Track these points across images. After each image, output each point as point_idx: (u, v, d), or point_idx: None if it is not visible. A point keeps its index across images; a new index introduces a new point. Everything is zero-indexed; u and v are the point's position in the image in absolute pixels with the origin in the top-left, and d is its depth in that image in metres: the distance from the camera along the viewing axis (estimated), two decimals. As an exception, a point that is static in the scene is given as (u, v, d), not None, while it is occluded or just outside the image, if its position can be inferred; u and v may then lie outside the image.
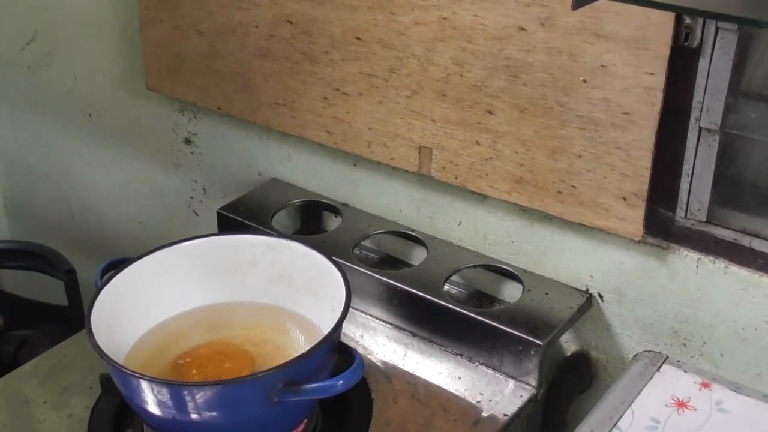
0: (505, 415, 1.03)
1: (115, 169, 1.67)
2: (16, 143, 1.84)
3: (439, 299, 1.11)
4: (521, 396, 1.06)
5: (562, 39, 1.00)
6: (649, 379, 0.99)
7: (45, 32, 1.64)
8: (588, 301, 1.12)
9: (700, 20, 0.93)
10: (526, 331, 1.05)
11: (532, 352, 1.05)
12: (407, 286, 1.14)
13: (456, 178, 1.15)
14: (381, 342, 1.15)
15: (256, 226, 1.26)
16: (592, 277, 1.12)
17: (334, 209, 1.32)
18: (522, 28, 1.02)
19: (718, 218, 1.01)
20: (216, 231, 1.30)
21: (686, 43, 0.94)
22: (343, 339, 0.96)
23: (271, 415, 0.89)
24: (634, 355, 1.04)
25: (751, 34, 0.92)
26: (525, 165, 1.08)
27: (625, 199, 1.02)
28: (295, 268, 1.05)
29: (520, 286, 1.14)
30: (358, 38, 1.16)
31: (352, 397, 1.04)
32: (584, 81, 1.00)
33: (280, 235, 1.18)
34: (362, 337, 1.16)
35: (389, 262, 1.30)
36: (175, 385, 0.88)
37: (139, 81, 1.47)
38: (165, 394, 0.86)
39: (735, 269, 1.00)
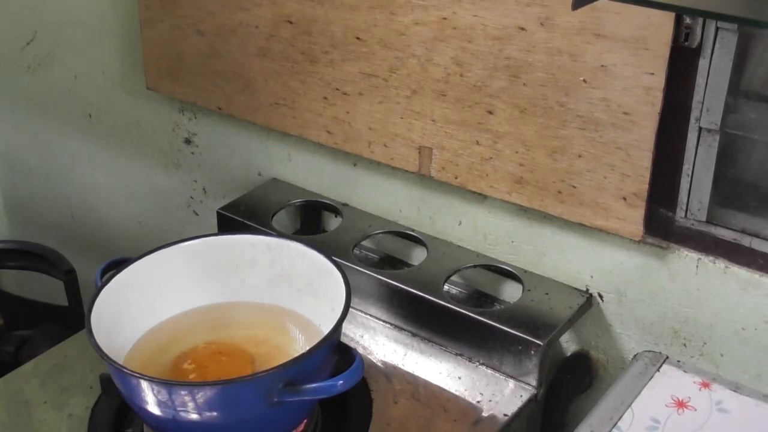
0: (505, 415, 1.03)
1: (115, 169, 1.67)
2: (16, 143, 1.84)
3: (439, 299, 1.11)
4: (521, 396, 1.06)
5: (562, 39, 1.00)
6: (649, 379, 0.99)
7: (45, 32, 1.64)
8: (588, 301, 1.12)
9: (700, 20, 0.93)
10: (526, 331, 1.05)
11: (532, 352, 1.05)
12: (407, 286, 1.14)
13: (456, 178, 1.15)
14: (381, 342, 1.15)
15: (256, 226, 1.26)
16: (592, 277, 1.12)
17: (334, 209, 1.32)
18: (522, 28, 1.02)
19: (718, 218, 1.01)
20: (216, 231, 1.30)
21: (686, 43, 0.94)
22: (343, 339, 0.96)
23: (271, 415, 0.89)
24: (634, 355, 1.04)
25: (751, 34, 0.92)
26: (525, 165, 1.08)
27: (625, 199, 1.02)
28: (295, 268, 1.05)
29: (520, 286, 1.14)
30: (358, 38, 1.16)
31: (352, 397, 1.04)
32: (584, 81, 1.00)
33: (280, 235, 1.18)
34: (362, 337, 1.16)
35: (389, 262, 1.30)
36: (175, 385, 0.88)
37: (139, 81, 1.47)
38: (165, 394, 0.86)
39: (735, 269, 1.00)
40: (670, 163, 1.00)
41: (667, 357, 1.02)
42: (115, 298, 0.99)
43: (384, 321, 1.17)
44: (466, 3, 1.05)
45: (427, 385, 1.08)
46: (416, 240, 1.25)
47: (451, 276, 1.16)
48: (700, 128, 0.97)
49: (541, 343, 1.04)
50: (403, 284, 1.14)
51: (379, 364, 1.12)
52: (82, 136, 1.68)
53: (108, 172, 1.68)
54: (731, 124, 0.96)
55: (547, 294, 1.12)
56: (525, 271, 1.16)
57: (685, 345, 1.07)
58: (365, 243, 1.28)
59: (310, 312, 1.04)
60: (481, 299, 1.22)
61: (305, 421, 0.97)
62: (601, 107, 1.00)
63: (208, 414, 0.87)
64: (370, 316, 1.18)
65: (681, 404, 0.95)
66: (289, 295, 1.06)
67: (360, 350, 1.08)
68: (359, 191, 1.30)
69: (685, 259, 1.03)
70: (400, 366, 1.11)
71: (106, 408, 1.04)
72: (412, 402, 1.06)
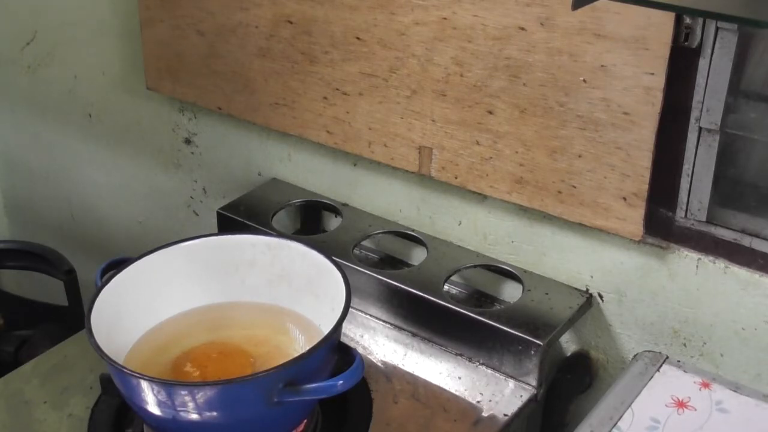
0: (505, 415, 1.03)
1: (115, 169, 1.67)
2: (16, 143, 1.84)
3: (439, 299, 1.11)
4: (521, 396, 1.06)
5: (562, 39, 1.00)
6: (649, 379, 0.99)
7: (45, 32, 1.64)
8: (588, 301, 1.12)
9: (700, 20, 0.93)
10: (526, 331, 1.05)
11: (532, 352, 1.05)
12: (407, 286, 1.14)
13: (456, 178, 1.15)
14: (381, 342, 1.15)
15: (256, 226, 1.26)
16: (592, 277, 1.12)
17: (334, 209, 1.32)
18: (522, 28, 1.02)
19: (718, 218, 1.01)
20: (216, 231, 1.30)
21: (686, 43, 0.94)
22: (343, 339, 0.96)
23: (271, 415, 0.89)
24: (634, 355, 1.04)
25: (751, 34, 0.92)
26: (525, 165, 1.08)
27: (625, 199, 1.02)
28: (295, 268, 1.05)
29: (520, 286, 1.14)
30: (358, 38, 1.16)
31: (352, 397, 1.04)
32: (584, 81, 1.00)
33: (280, 235, 1.18)
34: (362, 337, 1.16)
35: (389, 262, 1.30)
36: (175, 385, 0.88)
37: (139, 81, 1.47)
38: (165, 394, 0.86)
39: (735, 269, 1.00)
40: (670, 163, 1.00)
41: (667, 357, 1.02)
42: (115, 298, 0.98)
43: (384, 321, 1.17)
44: (466, 3, 1.05)
45: (427, 385, 1.08)
46: (416, 240, 1.25)
47: (451, 276, 1.16)
48: (700, 128, 0.97)
49: (541, 343, 1.04)
50: (403, 284, 1.14)
51: (379, 364, 1.12)
52: (82, 136, 1.68)
53: (108, 172, 1.68)
54: (731, 124, 0.96)
55: (547, 294, 1.12)
56: (525, 271, 1.16)
57: (685, 345, 1.07)
58: (365, 243, 1.28)
59: (310, 312, 1.04)
60: (481, 299, 1.22)
61: (305, 421, 0.97)
62: (601, 107, 1.00)
63: (208, 414, 0.87)
64: (370, 316, 1.18)
65: (681, 404, 0.95)
66: (289, 295, 1.06)
67: (360, 350, 1.08)
68: (359, 191, 1.30)
69: (685, 259, 1.03)
70: (400, 366, 1.11)
71: (106, 408, 1.04)
72: (412, 402, 1.06)
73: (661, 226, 1.04)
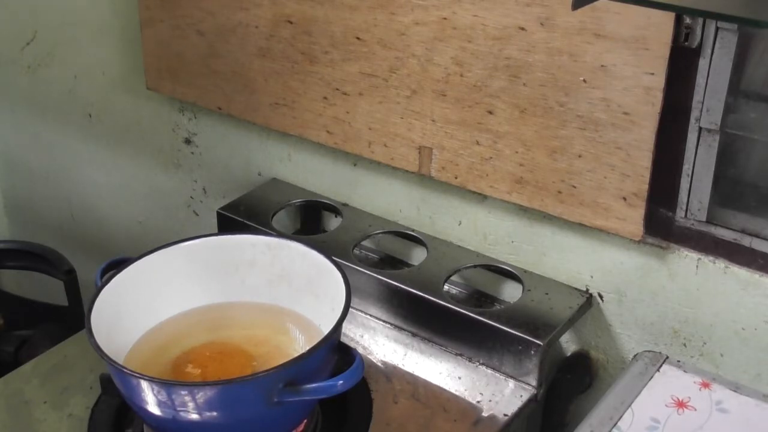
0: (505, 415, 1.03)
1: (115, 169, 1.67)
2: (16, 143, 1.84)
3: (439, 299, 1.11)
4: (521, 396, 1.06)
5: (562, 39, 1.00)
6: (649, 379, 0.99)
7: (45, 32, 1.64)
8: (588, 301, 1.12)
9: (700, 20, 0.93)
10: (526, 331, 1.05)
11: (532, 352, 1.05)
12: (407, 286, 1.14)
13: (456, 178, 1.15)
14: (381, 342, 1.15)
15: (256, 226, 1.26)
16: (592, 277, 1.12)
17: (334, 209, 1.32)
18: (522, 28, 1.02)
19: (718, 218, 1.01)
20: (216, 231, 1.30)
21: (686, 43, 0.94)
22: (343, 339, 0.96)
23: (271, 415, 0.89)
24: (634, 355, 1.04)
25: (751, 34, 0.92)
26: (525, 165, 1.08)
27: (625, 199, 1.02)
28: (295, 268, 1.05)
29: (520, 286, 1.14)
30: (358, 38, 1.16)
31: (352, 397, 1.04)
32: (584, 81, 1.00)
33: (280, 235, 1.18)
34: (362, 337, 1.16)
35: (389, 262, 1.30)
36: (175, 385, 0.88)
37: (139, 81, 1.47)
38: (165, 394, 0.86)
39: (735, 269, 1.00)
40: (670, 163, 1.00)
41: (667, 357, 1.02)
42: (115, 298, 0.99)
43: (384, 321, 1.17)
44: (466, 3, 1.05)
45: (427, 385, 1.08)
46: (416, 240, 1.25)
47: (451, 276, 1.16)
48: (700, 128, 0.97)
49: (541, 343, 1.04)
50: (403, 284, 1.14)
51: (379, 364, 1.12)
52: (82, 136, 1.68)
53: (108, 172, 1.68)
54: (731, 124, 0.96)
55: (547, 294, 1.12)
56: (525, 271, 1.16)
57: (685, 345, 1.07)
58: (365, 243, 1.28)
59: (310, 312, 1.04)
60: (481, 299, 1.22)
61: (305, 421, 0.97)
62: (601, 107, 1.00)
63: (208, 414, 0.87)
64: (370, 316, 1.18)
65: (681, 404, 0.95)
66: (289, 295, 1.06)
67: (360, 350, 1.08)
68: (359, 191, 1.30)
69: (685, 259, 1.03)
70: (400, 366, 1.11)
71: (106, 408, 1.04)
72: (412, 402, 1.06)
73: (661, 226, 1.04)
